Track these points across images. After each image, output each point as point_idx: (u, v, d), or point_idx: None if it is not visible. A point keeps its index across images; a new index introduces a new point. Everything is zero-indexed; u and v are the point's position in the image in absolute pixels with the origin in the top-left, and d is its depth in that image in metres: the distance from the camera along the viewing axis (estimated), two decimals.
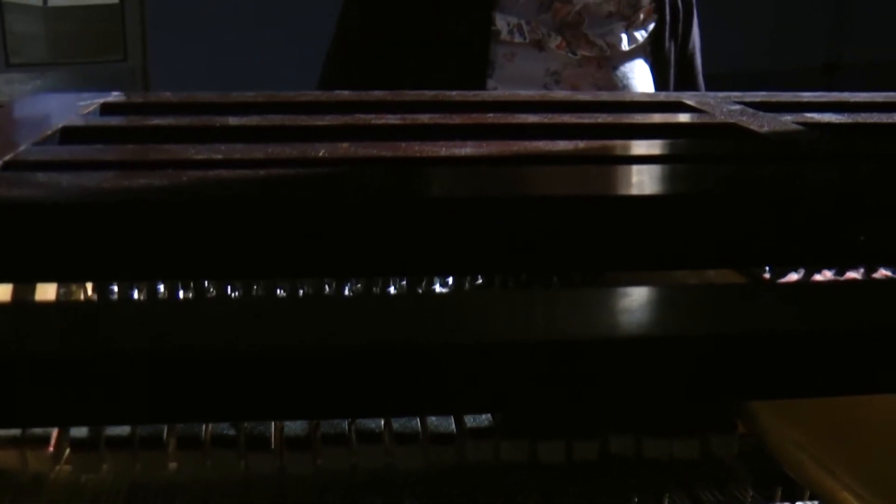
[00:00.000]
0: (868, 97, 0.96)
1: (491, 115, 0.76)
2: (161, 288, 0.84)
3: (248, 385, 0.44)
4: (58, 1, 7.09)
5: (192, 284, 0.85)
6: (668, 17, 1.37)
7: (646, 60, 1.36)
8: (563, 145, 0.65)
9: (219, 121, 0.73)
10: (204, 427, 0.76)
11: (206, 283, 0.85)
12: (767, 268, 0.81)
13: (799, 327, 0.49)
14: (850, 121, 0.81)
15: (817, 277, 0.85)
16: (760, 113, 0.81)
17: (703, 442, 0.79)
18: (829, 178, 0.61)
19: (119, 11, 6.09)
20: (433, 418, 0.76)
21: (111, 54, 6.31)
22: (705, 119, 0.79)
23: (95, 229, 0.50)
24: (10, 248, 0.49)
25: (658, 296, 0.53)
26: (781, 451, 0.74)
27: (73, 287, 0.79)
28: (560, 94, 0.91)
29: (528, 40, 1.28)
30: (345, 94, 0.86)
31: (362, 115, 0.75)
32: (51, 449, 0.75)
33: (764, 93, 0.97)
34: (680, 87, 1.41)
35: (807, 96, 0.95)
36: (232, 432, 0.76)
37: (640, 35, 1.34)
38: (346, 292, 0.85)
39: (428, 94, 0.87)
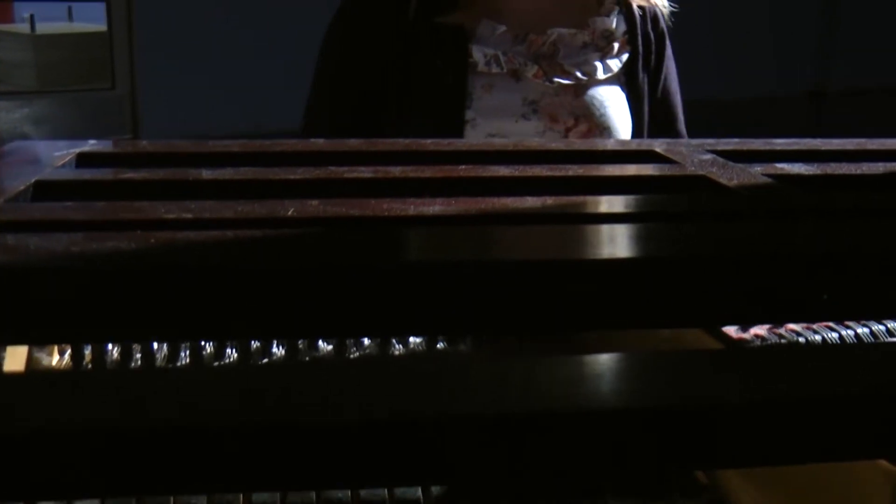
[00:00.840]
0: (840, 144, 0.97)
1: (463, 167, 0.77)
2: (136, 350, 0.84)
3: (210, 459, 0.45)
4: (46, 28, 7.10)
5: (165, 346, 0.85)
6: (640, 49, 1.39)
7: (622, 89, 1.38)
8: (531, 202, 0.66)
9: (192, 174, 0.74)
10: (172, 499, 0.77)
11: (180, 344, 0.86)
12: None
13: (758, 397, 0.49)
14: (819, 172, 0.82)
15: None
16: (731, 164, 0.82)
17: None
18: (793, 238, 0.62)
19: (107, 39, 6.10)
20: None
21: (99, 82, 6.32)
22: (675, 171, 0.79)
23: (62, 294, 0.51)
24: None
25: (618, 364, 0.53)
26: None
27: (47, 349, 0.79)
28: (533, 144, 0.91)
29: (505, 70, 1.29)
30: (320, 144, 0.87)
31: (335, 168, 0.76)
32: None
33: (737, 140, 0.98)
34: (656, 117, 1.42)
35: (780, 144, 0.96)
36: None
37: (615, 64, 1.36)
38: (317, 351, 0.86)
39: (402, 143, 0.88)
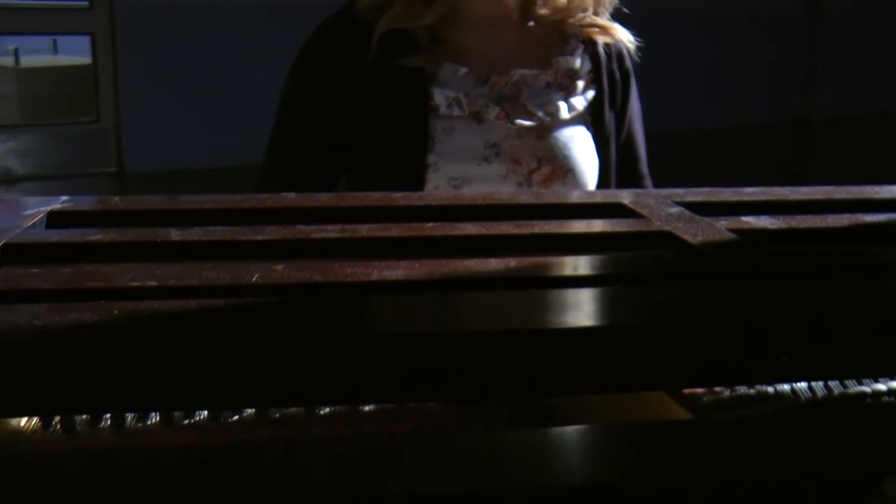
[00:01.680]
0: (808, 193, 0.98)
1: (430, 224, 0.77)
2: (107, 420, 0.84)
3: None
4: (30, 62, 7.12)
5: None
6: (606, 87, 1.38)
7: (587, 129, 1.37)
8: (494, 264, 0.66)
9: (161, 235, 0.74)
10: None
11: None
12: None
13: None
14: (784, 226, 0.83)
15: None
16: (697, 217, 0.83)
17: None
18: (751, 302, 0.63)
19: (92, 72, 6.11)
20: None
21: (84, 115, 6.32)
22: (641, 227, 0.80)
23: (24, 369, 0.52)
24: None
25: (578, 438, 0.54)
26: None
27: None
28: (502, 197, 0.92)
29: (466, 113, 1.28)
30: (290, 199, 0.88)
31: (303, 227, 0.76)
32: None
33: (707, 189, 0.99)
34: (622, 155, 1.41)
35: (749, 193, 0.97)
36: None
37: (580, 102, 1.35)
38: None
39: (373, 198, 0.89)
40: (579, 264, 0.69)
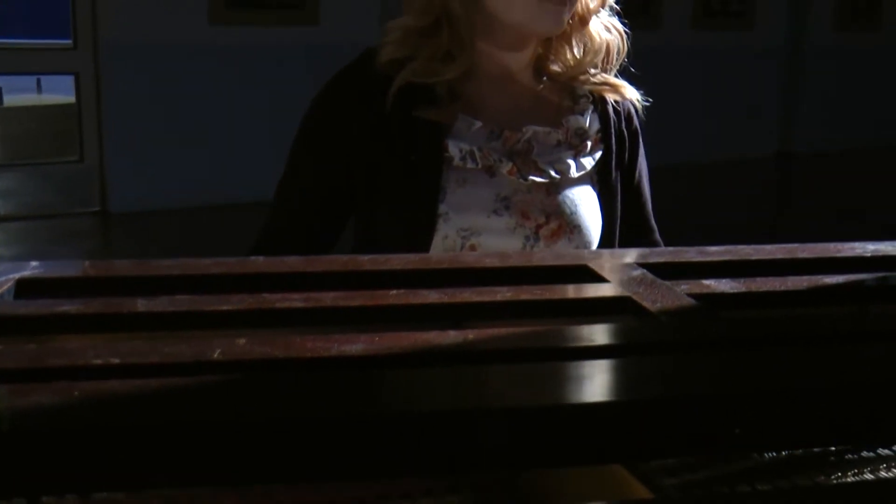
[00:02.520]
0: (771, 251, 1.00)
1: (393, 292, 0.79)
2: None
3: None
4: (14, 101, 7.13)
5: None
6: (614, 147, 1.41)
7: (593, 188, 1.39)
8: (452, 336, 0.68)
9: (127, 306, 0.75)
10: None
11: None
12: None
13: None
14: (743, 290, 0.84)
15: None
16: (658, 281, 0.84)
17: None
18: (705, 374, 0.64)
19: (76, 111, 6.12)
20: None
21: (67, 154, 6.34)
22: (602, 292, 0.82)
23: None
24: None
25: None
26: None
27: None
28: (469, 259, 0.94)
29: (479, 166, 1.30)
30: (258, 264, 0.89)
31: (268, 296, 0.78)
32: None
33: (671, 250, 1.01)
34: (628, 213, 1.43)
35: (713, 252, 0.98)
36: None
37: (588, 162, 1.37)
38: None
39: (340, 262, 0.90)
40: (537, 336, 0.70)
